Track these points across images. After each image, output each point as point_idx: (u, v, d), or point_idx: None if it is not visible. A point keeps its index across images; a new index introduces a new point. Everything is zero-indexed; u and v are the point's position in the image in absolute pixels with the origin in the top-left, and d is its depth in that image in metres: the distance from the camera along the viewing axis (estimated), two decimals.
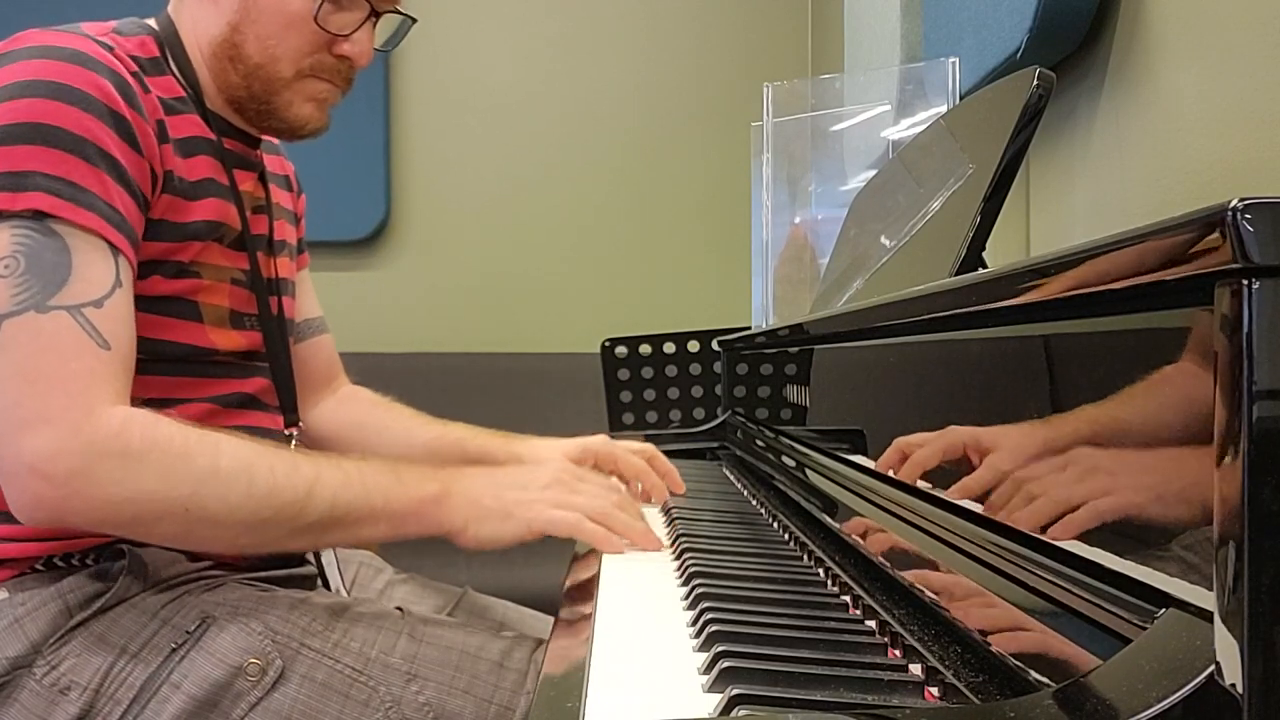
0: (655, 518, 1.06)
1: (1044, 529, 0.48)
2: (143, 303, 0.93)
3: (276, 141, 1.16)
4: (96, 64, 0.88)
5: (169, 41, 1.01)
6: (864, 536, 0.73)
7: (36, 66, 0.86)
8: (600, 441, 1.18)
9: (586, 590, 0.75)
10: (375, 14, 1.04)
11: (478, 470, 0.96)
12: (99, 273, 0.85)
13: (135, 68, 0.94)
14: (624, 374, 1.76)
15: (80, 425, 0.80)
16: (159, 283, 0.95)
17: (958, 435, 0.59)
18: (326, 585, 1.08)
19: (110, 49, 0.92)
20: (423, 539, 0.92)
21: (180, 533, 0.85)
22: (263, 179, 1.10)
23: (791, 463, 1.07)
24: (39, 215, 0.83)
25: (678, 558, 0.84)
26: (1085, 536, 0.44)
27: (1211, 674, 0.33)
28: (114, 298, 0.86)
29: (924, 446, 0.65)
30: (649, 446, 1.19)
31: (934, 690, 0.50)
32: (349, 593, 1.12)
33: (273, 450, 0.88)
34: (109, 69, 0.89)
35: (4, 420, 0.81)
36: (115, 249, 0.86)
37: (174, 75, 1.00)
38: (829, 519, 0.82)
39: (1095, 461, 0.43)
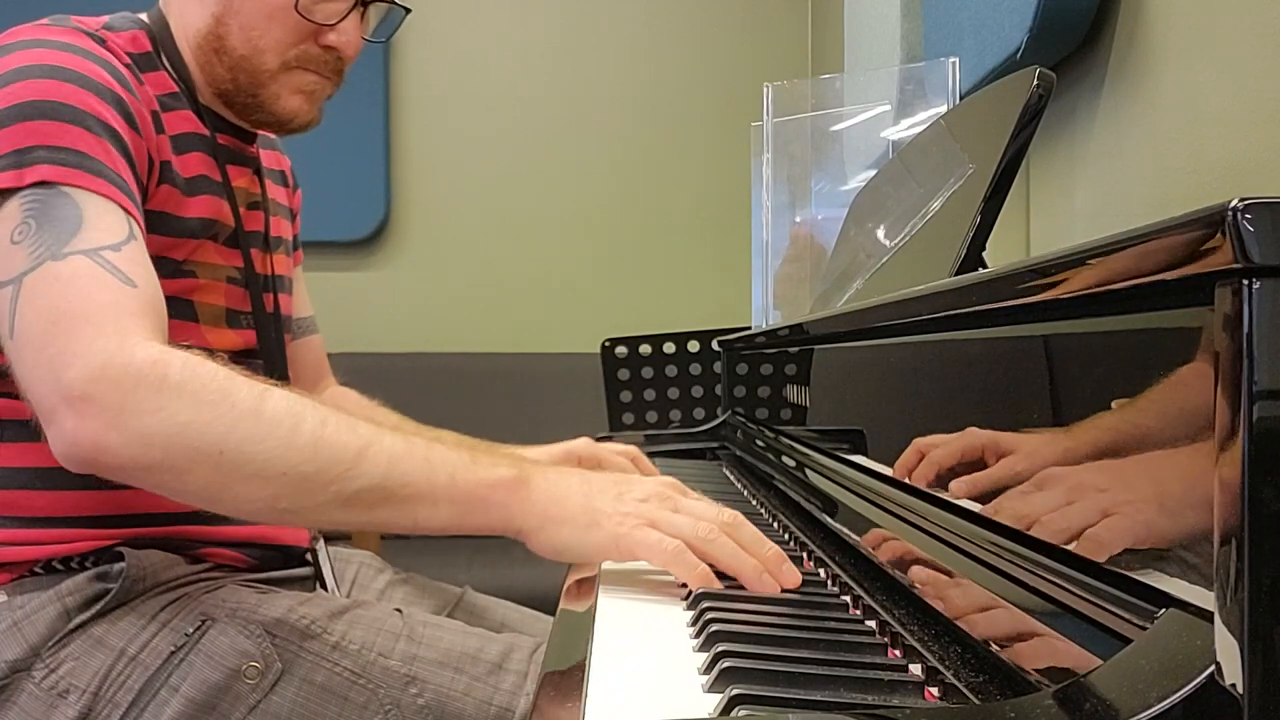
0: None
1: (1044, 529, 0.47)
2: None
3: (273, 136, 1.16)
4: (89, 54, 0.88)
5: (160, 36, 1.00)
6: (864, 536, 0.72)
7: (30, 55, 0.86)
8: (583, 444, 1.18)
9: (586, 590, 0.74)
10: (363, 3, 1.02)
11: (565, 466, 0.84)
12: (112, 223, 0.82)
13: (128, 61, 0.94)
14: (624, 374, 1.75)
15: (114, 354, 0.75)
16: None
17: (958, 435, 0.59)
18: (324, 587, 1.08)
19: (102, 42, 0.92)
20: (423, 539, 0.84)
21: (215, 484, 0.77)
22: (258, 174, 1.10)
23: (791, 463, 1.07)
24: (47, 184, 0.81)
25: None
26: (1084, 536, 0.44)
27: (1211, 674, 0.33)
28: (130, 246, 0.82)
29: (924, 447, 0.65)
30: (632, 448, 1.20)
31: (934, 690, 0.50)
32: (349, 594, 1.12)
33: (332, 409, 0.80)
34: (102, 59, 0.89)
35: (41, 368, 0.77)
36: (126, 211, 0.84)
37: (166, 70, 0.99)
38: (829, 519, 0.82)
39: (1095, 461, 0.43)
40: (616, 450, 1.18)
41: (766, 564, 0.72)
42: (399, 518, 0.79)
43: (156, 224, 0.93)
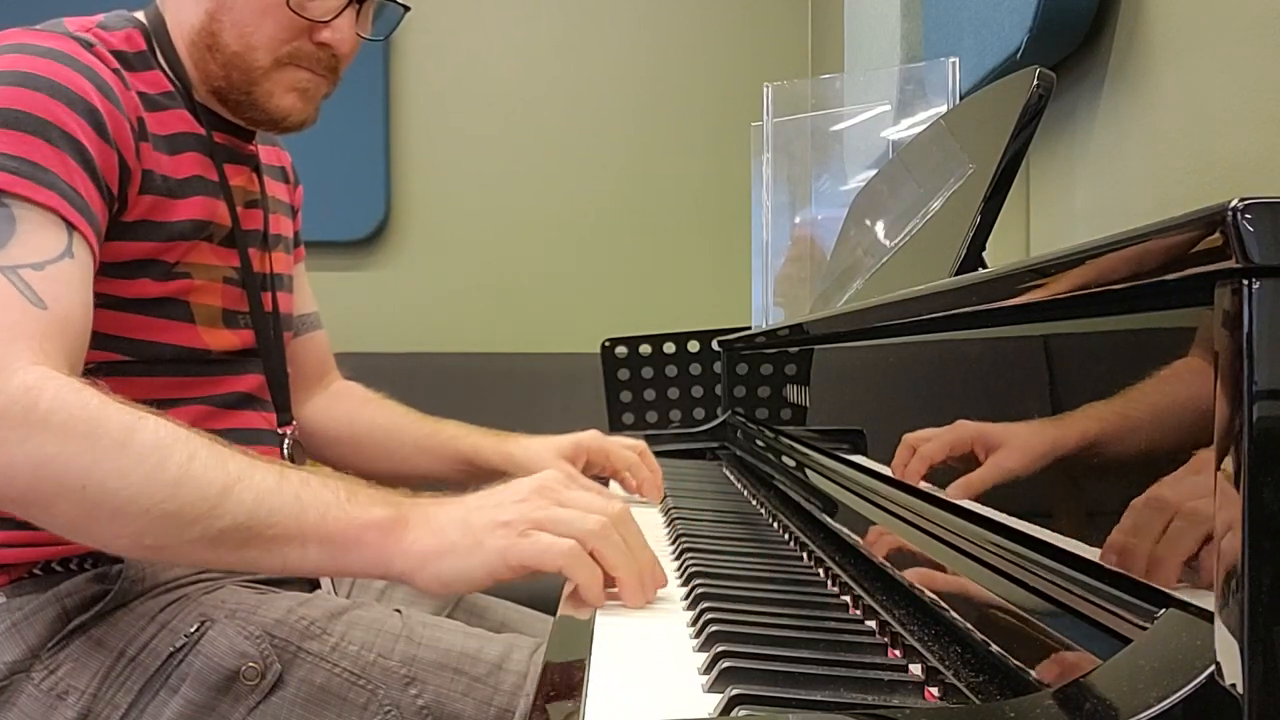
0: (655, 518, 1.06)
1: (1044, 528, 0.47)
2: (133, 305, 0.92)
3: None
4: (72, 60, 0.88)
5: (156, 34, 0.99)
6: (864, 536, 0.72)
7: (10, 60, 0.86)
8: (592, 436, 1.18)
9: None
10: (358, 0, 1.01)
11: (450, 499, 0.77)
12: (45, 241, 0.81)
13: (117, 64, 0.93)
14: (624, 374, 1.76)
15: None
16: (148, 285, 0.94)
17: (958, 435, 0.59)
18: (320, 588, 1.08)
19: (90, 45, 0.91)
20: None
21: (80, 519, 0.73)
22: (257, 172, 1.09)
23: (791, 463, 1.07)
24: None
25: (678, 558, 0.83)
26: (1085, 536, 0.44)
27: (1211, 674, 0.33)
28: (61, 265, 0.81)
29: (924, 446, 0.65)
30: (640, 442, 1.19)
31: (934, 690, 0.50)
32: (349, 594, 1.12)
33: (205, 441, 0.75)
34: (85, 66, 0.88)
35: None
36: (71, 226, 0.83)
37: (161, 69, 0.99)
38: (829, 519, 0.82)
39: (1095, 461, 0.43)
40: (624, 444, 1.18)
41: (644, 569, 0.69)
42: (269, 559, 0.74)
43: (140, 232, 0.92)
